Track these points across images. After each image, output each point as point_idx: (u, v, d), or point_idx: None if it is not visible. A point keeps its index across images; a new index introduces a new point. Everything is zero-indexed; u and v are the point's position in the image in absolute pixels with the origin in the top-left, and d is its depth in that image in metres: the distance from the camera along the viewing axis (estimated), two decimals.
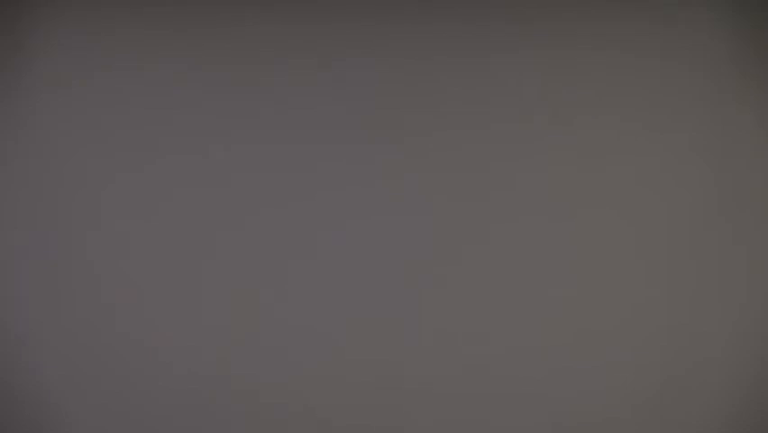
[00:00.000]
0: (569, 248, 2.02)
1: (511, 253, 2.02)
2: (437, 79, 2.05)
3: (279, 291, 2.03)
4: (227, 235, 2.03)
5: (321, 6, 2.05)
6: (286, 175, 2.04)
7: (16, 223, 2.03)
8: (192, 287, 2.03)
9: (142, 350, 2.02)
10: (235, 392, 2.01)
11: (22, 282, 2.02)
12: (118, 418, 2.01)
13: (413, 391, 2.01)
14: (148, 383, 2.02)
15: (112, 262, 2.03)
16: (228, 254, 2.03)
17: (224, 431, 2.01)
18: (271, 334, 2.02)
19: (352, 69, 2.05)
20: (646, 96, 2.04)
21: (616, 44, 2.04)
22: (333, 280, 2.03)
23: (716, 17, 2.04)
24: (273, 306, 2.03)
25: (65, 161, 2.04)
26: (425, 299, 2.02)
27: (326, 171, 2.04)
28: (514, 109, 2.04)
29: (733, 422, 1.98)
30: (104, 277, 2.02)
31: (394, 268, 2.03)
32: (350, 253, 2.03)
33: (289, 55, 2.05)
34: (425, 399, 2.01)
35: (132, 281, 2.03)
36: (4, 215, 2.04)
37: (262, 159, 2.04)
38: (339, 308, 2.02)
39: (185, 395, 2.01)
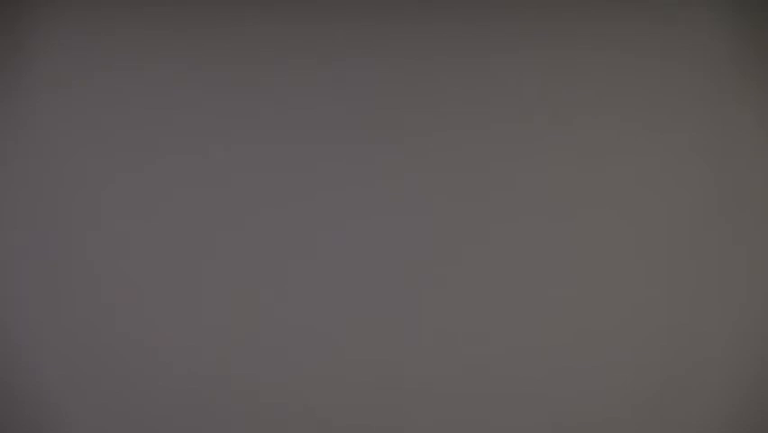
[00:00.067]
0: (569, 248, 2.02)
1: (511, 253, 2.02)
2: (437, 79, 2.05)
3: (279, 291, 2.03)
4: (227, 235, 2.03)
5: (321, 6, 2.05)
6: (286, 175, 2.04)
7: (16, 223, 2.03)
8: (192, 287, 2.03)
9: (142, 350, 2.02)
10: (235, 392, 2.01)
11: (22, 282, 2.02)
12: (118, 418, 2.01)
13: (413, 391, 2.01)
14: (148, 383, 2.02)
15: (112, 262, 2.03)
16: (228, 254, 2.03)
17: (223, 431, 2.01)
18: (271, 334, 2.02)
19: (352, 69, 2.05)
20: (646, 96, 2.04)
21: (616, 44, 2.04)
22: (333, 281, 2.03)
23: (716, 17, 2.04)
24: (273, 306, 2.03)
25: (65, 161, 2.04)
26: (425, 299, 2.02)
27: (326, 171, 2.04)
28: (514, 109, 2.04)
29: (733, 422, 1.98)
30: (104, 277, 2.02)
31: (394, 268, 2.03)
32: (350, 253, 2.03)
33: (289, 55, 2.05)
34: (425, 399, 2.01)
35: (132, 281, 2.03)
36: (4, 215, 2.04)
37: (262, 159, 2.04)
38: (339, 308, 2.02)
39: (185, 395, 2.01)
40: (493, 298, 2.02)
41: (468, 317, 2.02)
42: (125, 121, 2.05)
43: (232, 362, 2.02)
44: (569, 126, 2.04)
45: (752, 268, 2.00)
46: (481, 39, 2.05)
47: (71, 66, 2.05)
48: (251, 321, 2.02)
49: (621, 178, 2.03)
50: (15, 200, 2.04)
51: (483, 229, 2.03)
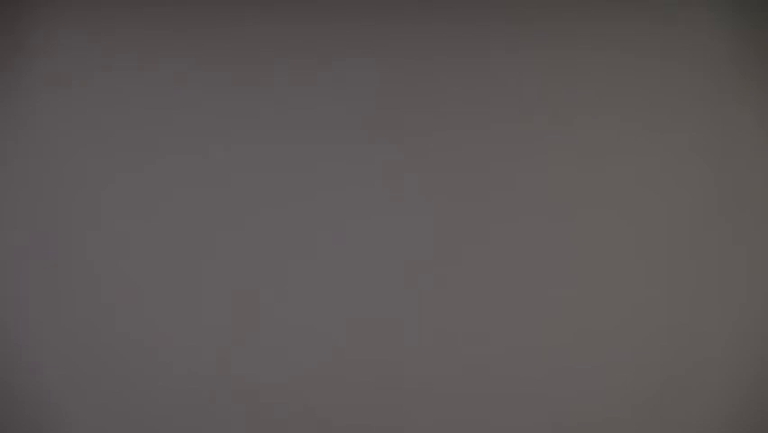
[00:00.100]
0: (569, 248, 2.02)
1: (511, 254, 2.02)
2: (437, 79, 2.05)
3: (279, 291, 2.03)
4: (227, 235, 2.03)
5: (321, 6, 2.05)
6: (286, 175, 2.04)
7: (16, 223, 2.03)
8: (192, 287, 2.03)
9: (142, 350, 2.02)
10: (235, 392, 2.01)
11: (22, 282, 2.02)
12: (118, 418, 2.01)
13: (413, 391, 2.01)
14: (148, 383, 2.01)
15: (112, 262, 2.03)
16: (228, 254, 2.03)
17: (223, 431, 2.01)
18: (271, 334, 2.02)
19: (352, 69, 2.05)
20: (646, 96, 2.04)
21: (616, 44, 2.04)
22: (333, 281, 2.03)
23: (716, 17, 2.04)
24: (273, 306, 2.03)
25: (65, 161, 2.04)
26: (425, 299, 2.02)
27: (326, 171, 2.04)
28: (514, 109, 2.04)
29: (733, 422, 1.98)
30: (104, 277, 2.02)
31: (394, 268, 2.03)
32: (350, 253, 2.03)
33: (289, 55, 2.05)
34: (425, 399, 2.01)
35: (132, 281, 2.03)
36: (4, 215, 2.04)
37: (262, 159, 2.04)
38: (339, 308, 2.02)
39: (185, 395, 2.01)
40: (493, 298, 2.02)
41: (468, 317, 2.02)
42: (125, 121, 2.05)
43: (232, 362, 2.02)
44: (569, 126, 2.04)
45: (752, 268, 2.00)
46: (481, 39, 2.05)
47: (71, 66, 2.05)
48: (251, 321, 2.02)
49: (621, 178, 2.03)
50: (15, 200, 2.04)
51: (483, 229, 2.03)
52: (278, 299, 2.03)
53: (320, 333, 2.02)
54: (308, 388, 2.01)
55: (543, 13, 2.04)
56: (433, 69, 2.05)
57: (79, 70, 2.05)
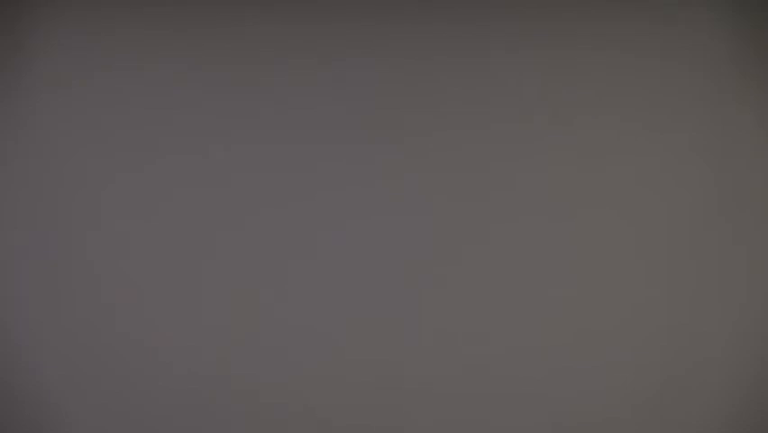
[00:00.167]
0: (569, 248, 2.02)
1: (511, 254, 2.02)
2: (437, 79, 2.05)
3: (279, 291, 2.03)
4: (227, 235, 2.03)
5: (321, 6, 2.05)
6: (286, 175, 2.04)
7: (16, 223, 2.03)
8: (192, 287, 2.03)
9: (142, 350, 2.02)
10: (235, 392, 2.01)
11: (22, 282, 2.02)
12: (118, 418, 2.01)
13: (413, 391, 2.01)
14: (148, 383, 2.01)
15: (112, 262, 2.03)
16: (228, 254, 2.03)
17: (223, 431, 2.01)
18: (271, 334, 2.02)
19: (352, 69, 2.05)
20: (646, 96, 2.04)
21: (616, 44, 2.04)
22: (333, 281, 2.03)
23: (716, 17, 2.04)
24: (273, 306, 2.03)
25: (65, 161, 2.04)
26: (425, 299, 2.02)
27: (326, 171, 2.04)
28: (514, 109, 2.04)
29: (733, 422, 1.98)
30: (104, 277, 2.02)
31: (394, 268, 2.03)
32: (350, 253, 2.03)
33: (289, 55, 2.05)
34: (425, 399, 2.01)
35: (132, 281, 2.03)
36: (4, 215, 2.04)
37: (262, 159, 2.04)
38: (339, 308, 2.02)
39: (185, 395, 2.01)
40: (493, 298, 2.02)
41: (468, 317, 2.02)
42: (125, 121, 2.05)
43: (232, 362, 2.02)
44: (569, 126, 2.04)
45: (752, 268, 2.00)
46: (481, 39, 2.05)
47: (71, 66, 2.05)
48: (251, 321, 2.02)
49: (621, 178, 2.03)
50: (15, 200, 2.04)
51: (483, 229, 2.03)
52: (278, 299, 2.02)
53: (320, 333, 2.02)
54: (308, 388, 2.01)
55: (543, 13, 2.04)
56: (433, 69, 2.05)
57: (79, 70, 2.05)
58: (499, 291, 2.02)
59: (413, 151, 2.04)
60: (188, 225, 2.04)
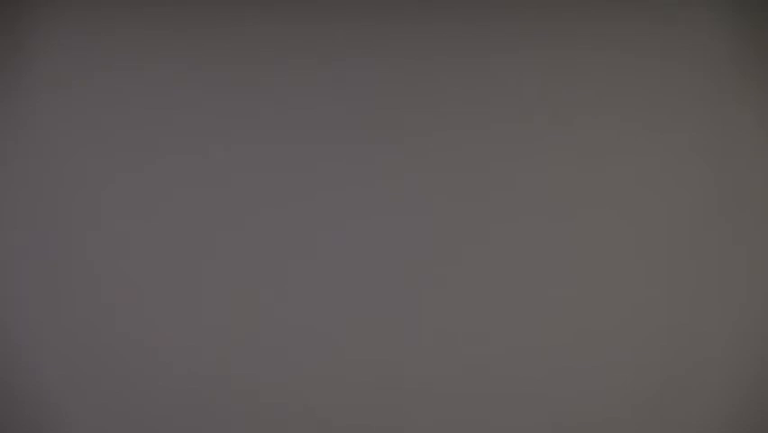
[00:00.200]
0: (569, 248, 2.02)
1: (511, 253, 2.02)
2: (437, 79, 2.05)
3: (279, 291, 2.03)
4: (227, 235, 2.03)
5: (321, 6, 2.05)
6: (286, 175, 2.04)
7: (16, 223, 2.03)
8: (192, 287, 2.03)
9: (142, 350, 2.02)
10: (235, 392, 2.01)
11: (22, 282, 2.02)
12: (118, 418, 2.01)
13: (413, 391, 2.01)
14: (148, 383, 2.02)
15: (112, 262, 2.03)
16: (228, 254, 2.03)
17: (223, 431, 2.01)
18: (271, 334, 2.02)
19: (352, 69, 2.05)
20: (646, 96, 2.04)
21: (616, 44, 2.04)
22: (333, 280, 2.03)
23: (716, 17, 2.04)
24: (273, 306, 2.03)
25: (65, 161, 2.04)
26: (425, 299, 2.02)
27: (326, 171, 2.04)
28: (514, 109, 2.04)
29: (733, 422, 1.98)
30: (104, 277, 2.02)
31: (394, 268, 2.03)
32: (350, 253, 2.03)
33: (289, 55, 2.05)
34: (425, 399, 2.01)
35: (132, 281, 2.03)
36: (4, 215, 2.04)
37: (262, 159, 2.04)
38: (339, 308, 2.02)
39: (185, 395, 2.01)
40: (493, 298, 2.02)
41: (468, 317, 2.02)
42: (125, 121, 2.05)
43: (232, 362, 2.02)
44: (569, 126, 2.04)
45: (752, 268, 2.00)
46: (481, 39, 2.05)
47: (71, 66, 2.05)
48: (251, 321, 2.02)
49: (621, 178, 2.03)
50: (15, 200, 2.04)
51: (483, 229, 2.03)
52: (278, 299, 2.03)
53: (320, 333, 2.02)
54: (308, 388, 2.01)
55: (543, 13, 2.04)
56: (433, 69, 2.05)
57: (79, 70, 2.05)
58: (499, 291, 2.02)
59: (413, 151, 2.04)
60: (188, 225, 2.04)
